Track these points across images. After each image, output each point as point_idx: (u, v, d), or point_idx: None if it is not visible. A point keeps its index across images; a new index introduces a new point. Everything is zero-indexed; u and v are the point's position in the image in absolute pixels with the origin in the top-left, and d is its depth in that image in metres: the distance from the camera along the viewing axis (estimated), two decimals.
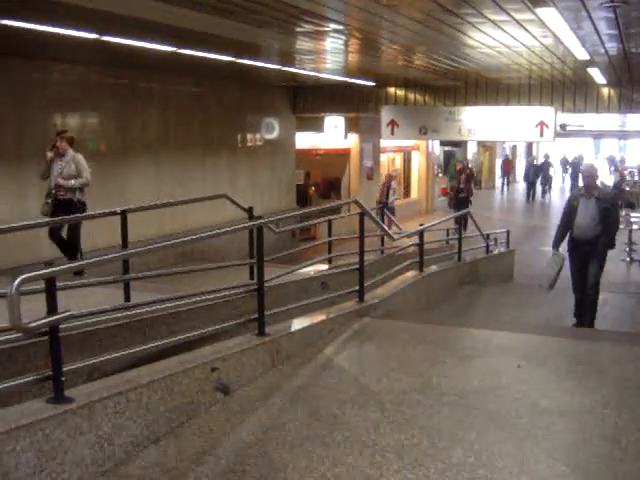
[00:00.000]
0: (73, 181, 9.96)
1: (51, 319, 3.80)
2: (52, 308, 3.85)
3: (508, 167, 39.53)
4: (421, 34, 9.71)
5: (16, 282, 3.45)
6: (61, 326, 4.03)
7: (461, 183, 22.79)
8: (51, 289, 3.84)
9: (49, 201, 9.98)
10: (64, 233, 10.21)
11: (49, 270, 3.83)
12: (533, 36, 9.45)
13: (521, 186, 38.06)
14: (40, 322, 3.71)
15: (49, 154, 10.01)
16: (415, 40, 10.51)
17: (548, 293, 10.83)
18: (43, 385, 4.25)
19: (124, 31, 9.25)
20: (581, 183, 9.74)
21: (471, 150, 36.62)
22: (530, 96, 16.85)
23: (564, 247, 9.53)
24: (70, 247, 10.10)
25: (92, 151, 12.51)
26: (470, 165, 26.77)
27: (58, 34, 8.88)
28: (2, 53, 10.79)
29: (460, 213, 14.74)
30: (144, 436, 4.30)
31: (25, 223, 8.23)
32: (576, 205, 9.12)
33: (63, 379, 3.96)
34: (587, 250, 9.08)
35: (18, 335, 4.35)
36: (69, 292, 5.47)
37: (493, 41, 10.02)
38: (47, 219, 9.64)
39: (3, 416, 3.75)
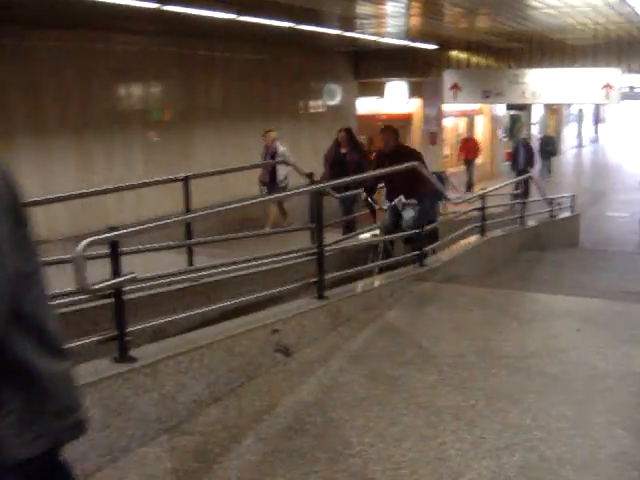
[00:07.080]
0: None
1: (115, 281, 3.93)
2: (116, 271, 3.97)
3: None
4: None
5: (81, 245, 3.58)
6: (126, 289, 4.17)
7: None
8: (115, 252, 3.96)
9: None
10: None
11: (113, 234, 3.94)
12: None
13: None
14: (105, 284, 3.84)
15: None
16: (477, 2, 10.36)
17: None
18: (110, 347, 4.40)
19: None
20: None
21: (537, 113, 35.80)
22: (595, 57, 16.43)
23: None
24: None
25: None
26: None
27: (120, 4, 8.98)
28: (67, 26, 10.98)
29: (522, 178, 14.51)
30: (206, 395, 4.43)
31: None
32: None
33: (127, 339, 4.10)
34: None
35: (84, 297, 4.51)
36: (135, 257, 5.60)
37: (557, 1, 9.83)
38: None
39: None
